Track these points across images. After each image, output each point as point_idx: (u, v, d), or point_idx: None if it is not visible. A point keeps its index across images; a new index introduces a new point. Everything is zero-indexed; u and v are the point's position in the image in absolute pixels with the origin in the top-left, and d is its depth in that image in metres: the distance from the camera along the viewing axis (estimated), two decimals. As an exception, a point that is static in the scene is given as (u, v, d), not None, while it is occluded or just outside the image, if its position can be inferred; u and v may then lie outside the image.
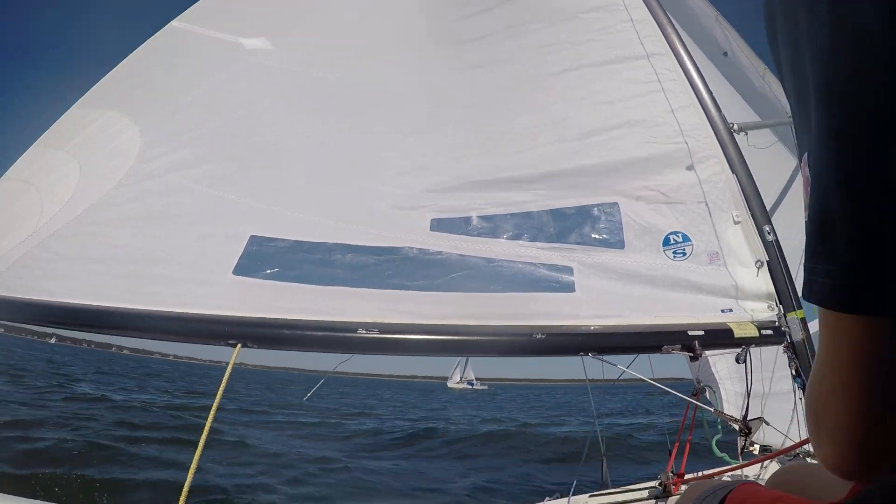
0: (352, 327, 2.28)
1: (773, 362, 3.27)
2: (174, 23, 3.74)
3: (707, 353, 2.81)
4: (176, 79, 3.48)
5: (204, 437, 2.20)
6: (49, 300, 2.82)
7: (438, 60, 3.29)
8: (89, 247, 2.96)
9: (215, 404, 2.30)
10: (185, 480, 2.13)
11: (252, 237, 2.67)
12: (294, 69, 3.32)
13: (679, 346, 2.56)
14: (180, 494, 2.11)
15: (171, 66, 3.55)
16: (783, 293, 2.85)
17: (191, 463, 2.09)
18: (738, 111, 4.06)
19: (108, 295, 2.75)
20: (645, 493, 3.13)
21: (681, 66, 3.20)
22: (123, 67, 3.61)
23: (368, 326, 2.27)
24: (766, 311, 2.86)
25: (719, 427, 3.15)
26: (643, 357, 3.18)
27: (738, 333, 2.67)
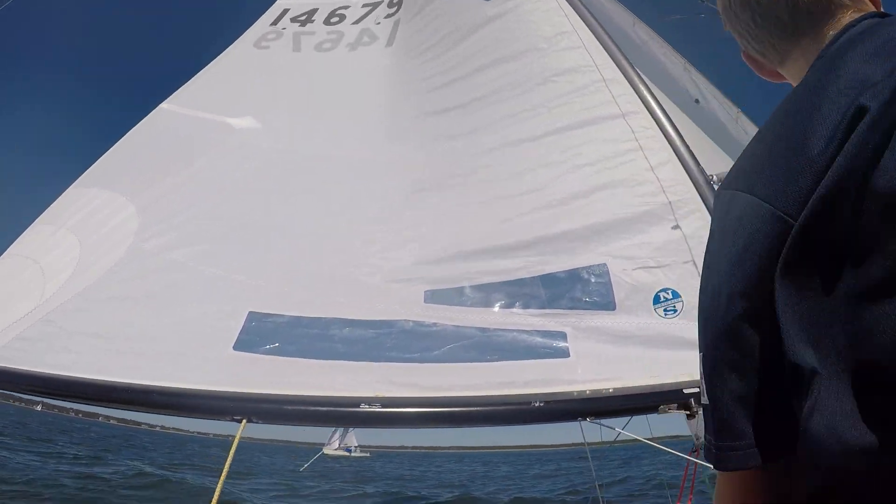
0: (354, 402, 2.32)
1: None
2: (164, 105, 3.89)
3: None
4: (168, 159, 3.59)
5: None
6: (50, 373, 2.86)
7: (421, 132, 3.40)
8: (91, 322, 3.01)
9: (222, 477, 2.33)
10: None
11: (251, 313, 2.73)
12: (281, 146, 3.45)
13: (675, 404, 2.59)
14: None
15: (162, 147, 3.66)
16: (774, 345, 2.89)
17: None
18: (716, 159, 4.15)
19: (109, 369, 2.79)
20: None
21: (656, 122, 3.28)
22: (119, 149, 3.73)
23: (370, 401, 2.31)
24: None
25: None
26: (640, 416, 3.19)
27: (732, 388, 2.70)
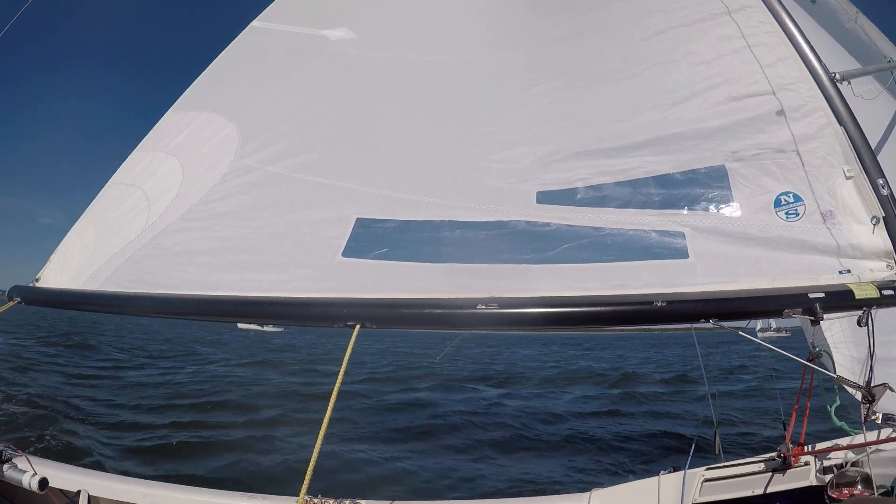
0: (470, 303, 2.29)
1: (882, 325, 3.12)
2: (255, 23, 3.83)
3: (827, 316, 2.71)
4: (264, 75, 3.57)
5: (328, 412, 2.22)
6: (161, 293, 2.95)
7: (527, 35, 3.25)
8: (196, 241, 3.07)
9: (338, 382, 2.34)
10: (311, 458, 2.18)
11: (358, 220, 2.73)
12: (380, 55, 3.36)
13: (800, 309, 2.47)
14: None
15: (257, 64, 3.63)
16: (902, 250, 2.71)
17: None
18: (835, 60, 3.83)
19: (219, 284, 2.85)
20: (762, 466, 3.05)
21: (774, 16, 3.05)
22: (212, 69, 3.73)
23: (487, 302, 2.28)
24: (885, 270, 2.71)
25: (836, 394, 3.04)
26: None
27: (858, 295, 2.55)
